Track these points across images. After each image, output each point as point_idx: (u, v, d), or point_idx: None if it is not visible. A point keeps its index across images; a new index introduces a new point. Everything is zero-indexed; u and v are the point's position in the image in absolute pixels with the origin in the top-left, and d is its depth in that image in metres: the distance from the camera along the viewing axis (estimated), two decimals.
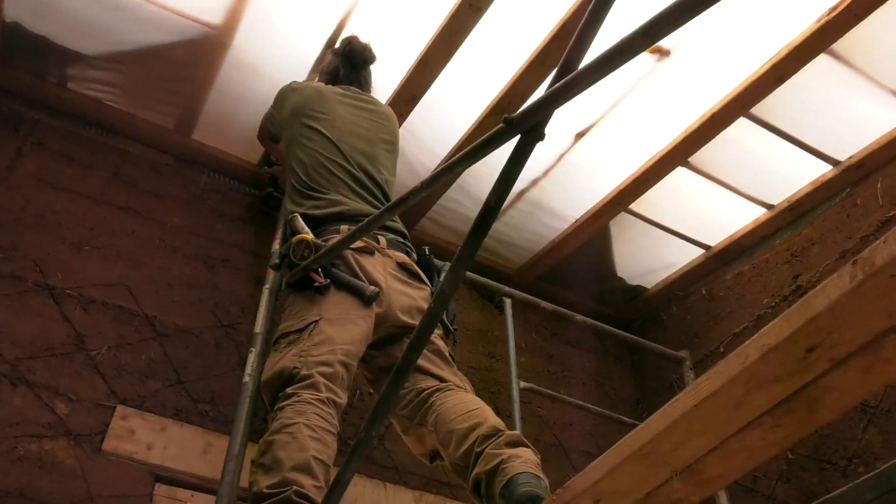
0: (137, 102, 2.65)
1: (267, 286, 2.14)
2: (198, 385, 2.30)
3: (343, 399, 1.73)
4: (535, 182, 2.98)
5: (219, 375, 2.35)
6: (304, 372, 1.68)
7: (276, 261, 2.07)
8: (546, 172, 2.94)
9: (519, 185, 2.98)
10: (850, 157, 2.69)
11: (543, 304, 2.83)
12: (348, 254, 1.93)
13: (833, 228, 2.75)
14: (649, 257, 3.29)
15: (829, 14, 2.23)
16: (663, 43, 2.46)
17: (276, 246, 2.22)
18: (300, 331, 1.78)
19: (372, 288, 1.87)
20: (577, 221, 3.12)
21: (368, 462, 2.46)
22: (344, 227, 1.96)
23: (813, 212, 2.85)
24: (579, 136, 2.80)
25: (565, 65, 1.07)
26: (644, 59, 2.51)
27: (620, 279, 3.42)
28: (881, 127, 2.57)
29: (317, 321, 1.79)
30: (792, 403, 1.14)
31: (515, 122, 1.11)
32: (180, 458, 2.12)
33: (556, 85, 1.02)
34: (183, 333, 2.37)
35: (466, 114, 2.69)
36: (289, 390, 1.66)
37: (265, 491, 1.47)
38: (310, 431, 1.55)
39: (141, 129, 2.68)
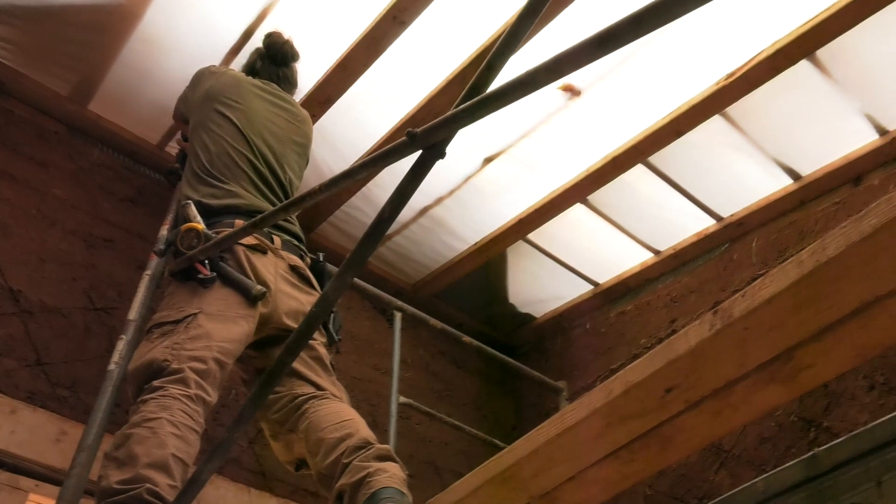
0: (32, 63, 2.49)
1: (148, 272, 2.04)
2: (59, 368, 2.16)
3: (213, 398, 1.67)
4: (439, 200, 3.00)
5: (84, 361, 2.22)
6: (174, 365, 1.61)
7: (162, 247, 1.98)
8: (451, 192, 2.97)
9: (423, 201, 3.00)
10: (732, 215, 2.87)
11: (433, 321, 2.84)
12: (239, 250, 1.87)
13: (710, 279, 2.92)
14: (541, 287, 3.38)
15: (726, 79, 2.38)
16: (576, 83, 2.55)
17: (164, 231, 2.13)
18: (176, 322, 1.71)
19: (259, 287, 1.82)
20: (476, 244, 3.17)
21: (235, 465, 2.39)
22: (239, 222, 1.90)
23: (694, 262, 3.02)
24: (488, 160, 2.85)
25: (473, 88, 1.09)
26: (556, 95, 2.60)
27: (511, 305, 3.49)
28: (761, 190, 2.76)
29: (195, 314, 1.72)
30: (648, 440, 1.19)
31: (418, 136, 1.12)
32: (28, 444, 1.98)
33: (461, 106, 1.04)
34: (50, 312, 2.23)
35: (380, 124, 2.68)
36: (156, 383, 1.59)
37: (115, 486, 1.40)
38: (172, 428, 1.48)
39: (31, 92, 2.52)
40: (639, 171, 2.78)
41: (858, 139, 2.49)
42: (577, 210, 2.99)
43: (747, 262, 2.82)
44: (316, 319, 1.13)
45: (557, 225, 3.06)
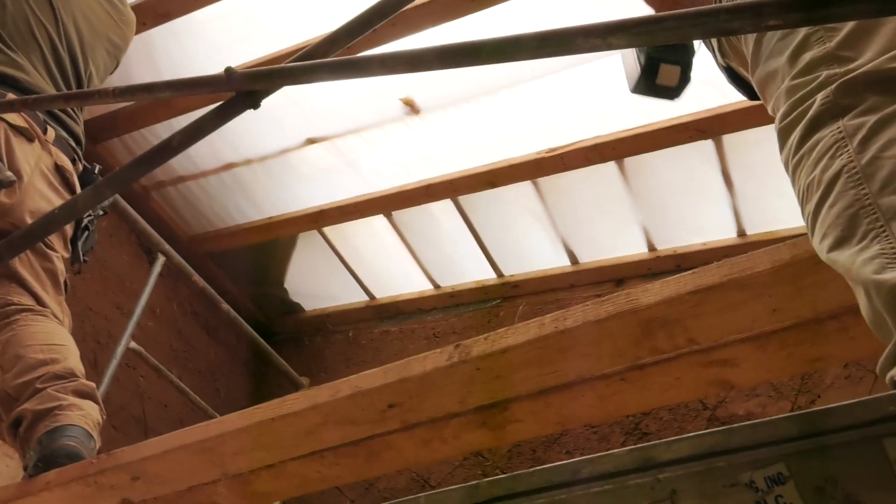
0: None
1: None
2: None
3: None
4: (249, 162, 2.88)
5: None
6: None
7: None
8: (263, 158, 2.87)
9: (232, 156, 2.87)
10: (512, 276, 3.06)
11: (197, 277, 2.69)
12: (1, 127, 1.64)
13: (473, 327, 3.07)
14: (319, 283, 3.35)
15: (547, 153, 2.56)
16: (419, 101, 2.59)
17: None
18: None
19: (8, 174, 1.59)
20: (270, 218, 3.07)
21: None
22: (11, 96, 1.67)
23: (466, 306, 3.16)
24: (311, 141, 2.80)
25: (308, 54, 1.06)
26: (397, 106, 2.62)
27: (284, 290, 3.41)
28: (542, 262, 2.97)
29: None
30: (356, 448, 1.20)
31: (236, 77, 1.06)
32: None
33: (289, 64, 1.00)
34: None
35: (212, 61, 2.51)
36: None
37: None
38: None
39: None
40: (447, 205, 2.88)
41: (632, 247, 2.78)
42: (379, 221, 3.02)
43: (510, 323, 3.00)
44: (52, 223, 1.01)
45: (355, 228, 3.07)
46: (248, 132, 2.68)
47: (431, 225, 2.99)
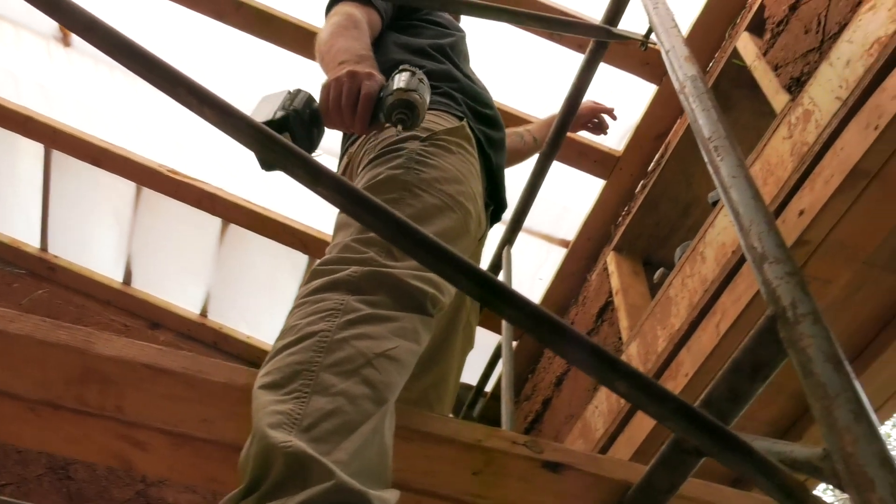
0: None
1: None
2: None
3: None
4: None
5: None
6: None
7: None
8: None
9: None
10: (56, 258, 2.74)
11: None
12: None
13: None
14: None
15: (168, 171, 2.44)
16: (76, 37, 2.32)
17: None
18: None
19: None
20: None
21: None
22: None
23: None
24: None
25: None
26: (51, 25, 2.31)
27: None
28: (95, 263, 2.71)
29: None
30: None
31: None
32: None
33: None
34: None
35: None
36: None
37: None
38: None
39: None
40: (36, 149, 2.56)
41: (188, 302, 2.71)
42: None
43: (19, 299, 2.65)
44: None
45: None
46: None
47: (5, 157, 2.59)
